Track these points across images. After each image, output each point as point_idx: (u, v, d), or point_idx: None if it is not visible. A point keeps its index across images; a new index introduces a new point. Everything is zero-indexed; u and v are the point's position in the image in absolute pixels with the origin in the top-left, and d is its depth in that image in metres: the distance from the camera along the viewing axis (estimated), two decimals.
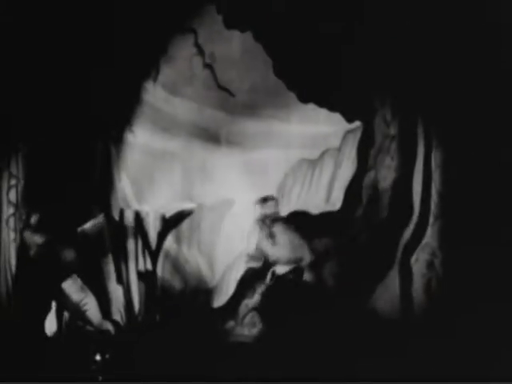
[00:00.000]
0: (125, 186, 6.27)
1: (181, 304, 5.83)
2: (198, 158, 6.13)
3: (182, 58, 6.17)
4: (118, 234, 6.08)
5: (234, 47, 5.91)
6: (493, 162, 4.65)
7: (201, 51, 6.10)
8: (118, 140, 6.38)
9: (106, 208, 6.23)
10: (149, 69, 6.32)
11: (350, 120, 5.54)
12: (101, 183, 6.39)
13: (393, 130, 5.22)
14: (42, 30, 6.18)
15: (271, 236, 5.67)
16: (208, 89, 6.07)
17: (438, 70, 4.82)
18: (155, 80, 6.30)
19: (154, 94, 6.29)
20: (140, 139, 6.31)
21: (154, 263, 5.98)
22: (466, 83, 4.71)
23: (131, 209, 6.14)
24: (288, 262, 5.52)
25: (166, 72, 6.25)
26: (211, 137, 6.09)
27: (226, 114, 6.02)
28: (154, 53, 6.27)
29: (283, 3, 5.54)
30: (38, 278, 6.09)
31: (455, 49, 4.74)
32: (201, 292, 5.86)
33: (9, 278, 6.16)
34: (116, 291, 5.92)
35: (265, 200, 5.77)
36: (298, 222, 5.63)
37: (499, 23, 4.61)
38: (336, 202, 5.48)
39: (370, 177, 5.34)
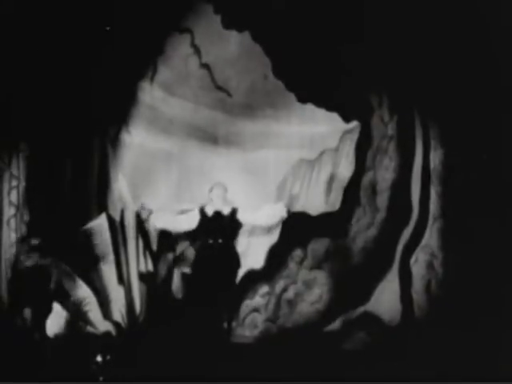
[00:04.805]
0: (121, 186, 6.24)
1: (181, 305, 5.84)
2: (195, 159, 6.11)
3: (178, 57, 6.13)
4: (119, 235, 6.07)
5: (232, 47, 5.88)
6: (491, 161, 4.65)
7: (197, 51, 6.06)
8: (115, 140, 6.35)
9: (104, 208, 6.22)
10: (146, 68, 6.28)
11: (347, 120, 5.53)
12: (99, 183, 6.39)
13: (390, 131, 5.22)
14: (39, 32, 6.15)
15: None
16: (205, 89, 6.04)
17: (436, 71, 4.83)
18: (152, 79, 6.26)
19: (151, 93, 6.26)
20: (136, 139, 6.26)
21: (155, 264, 5.98)
22: (463, 83, 4.72)
23: (129, 209, 6.12)
24: None
25: (163, 72, 6.22)
26: (209, 137, 6.06)
27: (224, 115, 5.99)
28: (152, 52, 6.22)
29: (282, 3, 5.52)
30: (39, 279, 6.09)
31: (452, 49, 4.76)
32: None
33: (10, 278, 6.17)
34: (117, 292, 5.92)
35: None
36: (298, 223, 5.62)
37: (495, 23, 4.61)
38: (335, 203, 5.48)
39: (368, 177, 5.34)
